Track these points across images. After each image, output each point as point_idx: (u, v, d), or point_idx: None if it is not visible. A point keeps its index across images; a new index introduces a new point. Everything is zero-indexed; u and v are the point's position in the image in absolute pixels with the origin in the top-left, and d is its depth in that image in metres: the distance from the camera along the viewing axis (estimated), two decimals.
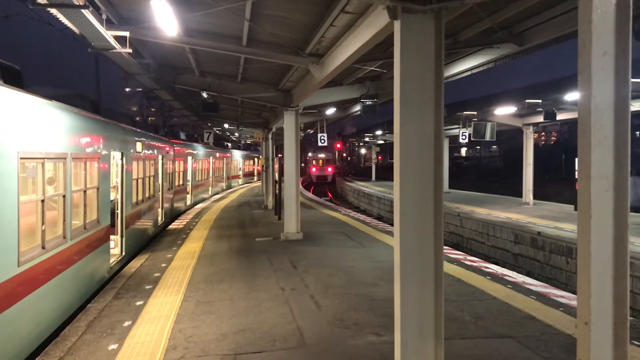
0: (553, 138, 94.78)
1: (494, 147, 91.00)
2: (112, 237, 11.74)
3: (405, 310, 5.18)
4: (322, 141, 25.94)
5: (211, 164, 34.29)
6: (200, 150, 29.98)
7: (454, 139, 34.19)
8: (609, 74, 3.53)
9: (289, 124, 16.11)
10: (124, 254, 12.57)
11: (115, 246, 12.36)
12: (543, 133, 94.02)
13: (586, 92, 3.56)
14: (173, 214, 21.76)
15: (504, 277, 10.59)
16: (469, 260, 12.64)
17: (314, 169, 69.90)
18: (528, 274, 14.30)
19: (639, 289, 12.16)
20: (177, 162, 22.35)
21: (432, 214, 5.25)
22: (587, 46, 3.52)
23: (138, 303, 8.91)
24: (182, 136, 28.46)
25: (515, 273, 11.59)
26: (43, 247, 7.37)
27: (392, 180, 5.61)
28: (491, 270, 11.34)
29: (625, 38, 3.53)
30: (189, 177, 26.68)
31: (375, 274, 10.75)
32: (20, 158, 6.59)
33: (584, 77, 3.56)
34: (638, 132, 70.42)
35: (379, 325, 7.56)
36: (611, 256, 3.58)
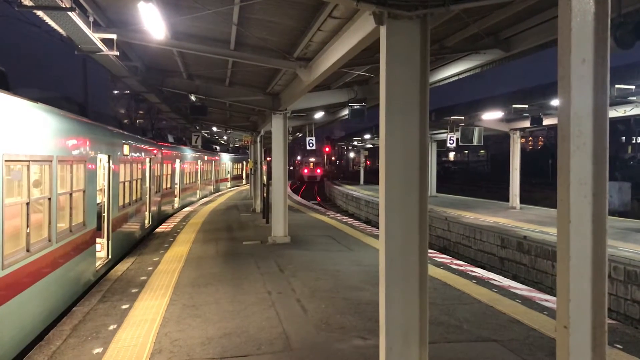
0: (540, 143, 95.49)
1: (482, 151, 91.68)
2: (98, 240, 11.67)
3: (390, 314, 5.20)
4: (311, 145, 25.92)
5: (199, 167, 34.21)
6: (188, 153, 29.89)
7: (441, 144, 34.36)
8: (588, 81, 3.59)
9: (277, 127, 16.12)
10: (110, 257, 12.51)
11: (102, 249, 12.28)
12: (530, 138, 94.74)
13: (565, 99, 3.62)
14: (160, 217, 21.67)
15: (490, 281, 10.66)
16: (456, 264, 12.71)
17: (305, 170, 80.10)
18: (514, 278, 14.41)
19: (623, 292, 12.29)
20: (164, 165, 22.28)
21: (417, 218, 5.29)
22: (567, 53, 3.58)
23: (124, 306, 8.88)
24: (170, 139, 28.37)
25: (501, 277, 11.67)
26: (28, 250, 7.32)
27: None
28: (477, 274, 11.41)
29: (603, 46, 3.59)
30: (177, 180, 26.59)
31: (362, 278, 10.78)
32: (5, 160, 6.56)
33: (564, 84, 3.62)
34: (624, 138, 71.23)
35: (364, 329, 7.59)
36: (590, 261, 3.63)
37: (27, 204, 7.27)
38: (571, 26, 3.56)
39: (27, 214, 7.27)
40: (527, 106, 20.28)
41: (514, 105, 20.44)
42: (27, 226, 7.30)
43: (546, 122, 21.94)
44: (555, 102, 17.87)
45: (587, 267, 3.62)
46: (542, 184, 46.51)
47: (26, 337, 7.34)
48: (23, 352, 7.06)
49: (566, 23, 3.60)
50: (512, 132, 25.96)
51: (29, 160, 7.35)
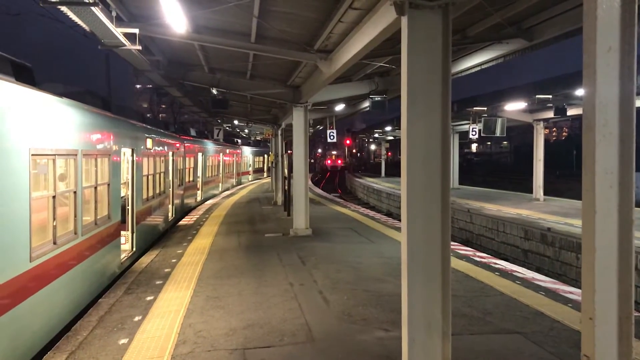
0: (564, 134, 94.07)
1: (505, 142, 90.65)
2: (122, 233, 11.83)
3: (413, 306, 5.19)
4: (332, 137, 25.89)
5: (221, 160, 34.40)
6: (210, 146, 30.07)
7: (464, 135, 34.05)
8: (614, 69, 3.53)
9: (298, 120, 16.13)
10: (134, 249, 12.68)
11: (126, 242, 12.45)
12: (554, 129, 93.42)
13: (591, 88, 3.56)
14: (183, 210, 21.88)
15: (513, 273, 10.57)
16: (478, 257, 12.62)
17: (328, 161, 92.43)
18: (537, 270, 14.27)
19: None
20: (187, 159, 22.46)
21: (439, 209, 5.25)
22: (592, 42, 3.52)
23: (148, 298, 9.00)
24: (192, 133, 28.57)
25: (524, 269, 11.56)
26: (54, 243, 7.45)
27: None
28: (500, 266, 11.32)
29: (630, 33, 3.52)
30: (199, 173, 26.79)
31: (384, 270, 10.77)
32: (32, 154, 6.67)
33: (589, 73, 3.56)
34: None
35: (386, 320, 7.59)
36: (616, 251, 3.57)
37: (54, 197, 7.39)
38: (597, 14, 3.50)
39: (54, 207, 7.40)
40: (550, 96, 20.00)
41: (537, 96, 20.18)
42: (54, 219, 7.43)
43: (570, 112, 21.62)
44: (579, 92, 17.60)
45: (613, 258, 3.57)
46: (566, 176, 45.88)
47: (54, 328, 7.49)
48: (52, 342, 7.21)
49: (591, 10, 3.53)
50: (536, 123, 25.63)
51: (55, 154, 7.46)
